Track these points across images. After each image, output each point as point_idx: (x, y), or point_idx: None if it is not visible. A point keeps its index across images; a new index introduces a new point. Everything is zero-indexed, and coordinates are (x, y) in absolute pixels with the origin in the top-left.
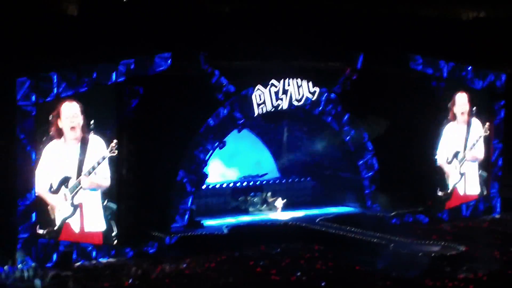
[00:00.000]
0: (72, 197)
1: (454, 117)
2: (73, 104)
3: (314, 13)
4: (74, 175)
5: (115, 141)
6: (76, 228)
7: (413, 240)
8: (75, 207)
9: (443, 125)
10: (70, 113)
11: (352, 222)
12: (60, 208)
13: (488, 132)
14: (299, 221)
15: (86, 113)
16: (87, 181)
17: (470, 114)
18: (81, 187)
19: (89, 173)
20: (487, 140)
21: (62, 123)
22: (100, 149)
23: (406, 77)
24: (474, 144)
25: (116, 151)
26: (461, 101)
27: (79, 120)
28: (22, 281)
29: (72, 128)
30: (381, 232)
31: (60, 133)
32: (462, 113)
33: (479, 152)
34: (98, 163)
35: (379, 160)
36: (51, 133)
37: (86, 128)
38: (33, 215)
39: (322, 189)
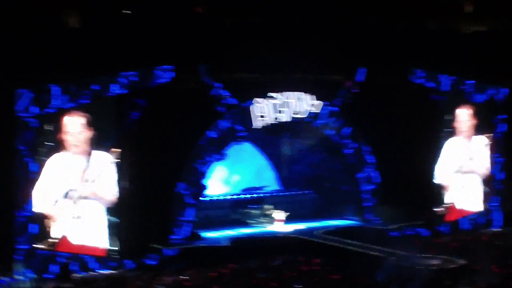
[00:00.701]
0: (74, 209)
1: (456, 132)
2: (79, 116)
3: (315, 26)
4: (76, 187)
5: (119, 149)
6: (76, 241)
7: (413, 253)
8: (77, 219)
9: (445, 139)
10: (76, 126)
11: (352, 235)
12: (61, 221)
13: (491, 141)
14: (300, 233)
15: (90, 127)
16: (90, 190)
17: (473, 128)
18: (83, 197)
19: (93, 181)
20: (489, 154)
21: (67, 135)
22: (104, 161)
23: (407, 91)
24: (475, 155)
25: (119, 159)
26: (463, 116)
27: (84, 132)
28: None
29: (77, 140)
30: (381, 245)
31: (64, 145)
32: (465, 128)
33: (482, 165)
34: (101, 171)
35: (379, 173)
36: (55, 144)
37: (91, 141)
38: (33, 226)
39: (322, 201)
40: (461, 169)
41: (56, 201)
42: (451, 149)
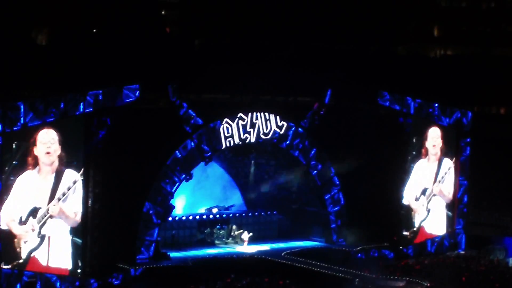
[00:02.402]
0: (40, 227)
1: (425, 154)
2: (50, 131)
3: (284, 48)
4: (44, 205)
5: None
6: (43, 261)
7: (378, 275)
8: (42, 238)
9: (412, 162)
10: (46, 142)
11: (318, 256)
12: (27, 240)
13: (455, 165)
14: (265, 254)
15: (61, 144)
16: (56, 208)
17: (441, 151)
18: (49, 216)
19: (59, 199)
20: (453, 177)
21: (38, 152)
22: (71, 180)
23: (374, 113)
24: (443, 177)
25: (85, 177)
26: (432, 137)
27: (55, 149)
28: None
29: (48, 158)
30: (346, 266)
31: (34, 163)
32: (434, 150)
33: (448, 188)
34: (69, 189)
35: (345, 195)
36: (20, 163)
37: (62, 159)
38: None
39: (288, 222)
40: (428, 191)
41: (22, 220)
42: (420, 172)
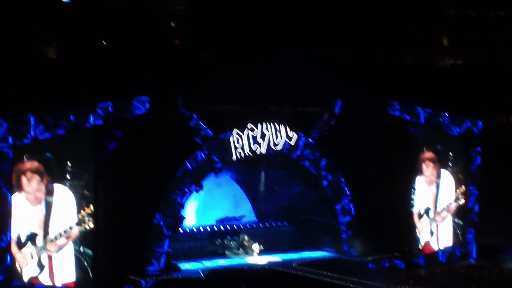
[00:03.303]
0: (39, 257)
1: (422, 173)
2: (34, 163)
3: (293, 59)
4: (40, 231)
5: (84, 211)
6: (46, 282)
7: (389, 285)
8: (42, 267)
9: (416, 174)
10: (34, 174)
11: (329, 266)
12: (27, 265)
13: (463, 200)
14: (276, 265)
15: (60, 160)
16: (55, 246)
17: (440, 168)
18: (48, 251)
19: (56, 238)
20: (464, 187)
21: (25, 184)
22: (67, 202)
23: (384, 123)
24: (443, 209)
25: (88, 224)
26: (428, 161)
27: (43, 178)
28: None
29: (36, 189)
30: (357, 277)
31: (21, 188)
32: (430, 173)
33: (451, 200)
34: (66, 231)
35: (356, 205)
36: (13, 185)
37: (53, 180)
38: (8, 257)
39: (299, 233)
40: (431, 214)
41: (21, 243)
42: (419, 190)
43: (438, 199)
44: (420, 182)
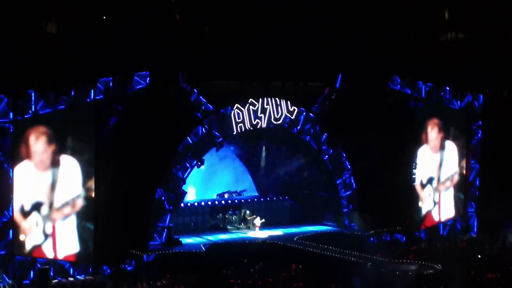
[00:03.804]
0: (44, 225)
1: (427, 141)
2: (45, 127)
3: (294, 33)
4: (46, 199)
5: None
6: (49, 253)
7: (390, 259)
8: (47, 236)
9: (420, 146)
10: (41, 136)
11: (330, 241)
12: (31, 234)
13: (464, 171)
14: (277, 239)
15: (61, 134)
16: (60, 213)
17: (444, 138)
18: (60, 206)
19: (63, 206)
20: (465, 161)
21: (33, 145)
22: (73, 171)
23: (385, 97)
24: (447, 178)
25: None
26: (434, 127)
27: (50, 143)
28: None
29: (43, 151)
30: (358, 251)
31: (29, 155)
32: (435, 138)
33: (454, 172)
34: (73, 199)
35: (357, 179)
36: (21, 154)
37: (58, 151)
38: (11, 232)
39: (300, 208)
40: (434, 183)
41: (25, 212)
42: (423, 159)
43: (442, 168)
44: (424, 151)
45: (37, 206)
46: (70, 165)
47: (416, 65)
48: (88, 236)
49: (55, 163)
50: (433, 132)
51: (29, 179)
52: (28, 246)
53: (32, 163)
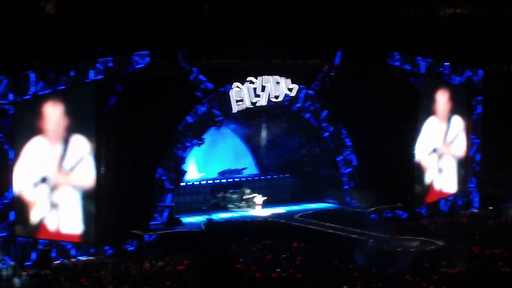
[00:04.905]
0: (51, 195)
1: (435, 113)
2: (56, 104)
3: (293, 11)
4: (54, 173)
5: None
6: (53, 227)
7: (392, 235)
8: (54, 205)
9: (423, 120)
10: (53, 113)
11: (331, 218)
12: (38, 206)
13: (466, 123)
14: (279, 217)
15: (68, 113)
16: (67, 179)
17: (450, 111)
18: (60, 185)
19: (70, 170)
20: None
21: (44, 122)
22: (81, 148)
23: (385, 74)
24: (453, 139)
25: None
26: (441, 99)
27: (62, 119)
28: (0, 280)
29: (54, 127)
30: (360, 227)
31: (42, 132)
32: (442, 111)
33: (459, 148)
34: (78, 162)
35: (358, 157)
36: (32, 131)
37: (68, 128)
38: (12, 213)
39: (301, 185)
40: (438, 151)
41: (35, 185)
42: (429, 130)
43: (448, 136)
44: (431, 122)
45: (44, 180)
46: (79, 143)
47: (415, 41)
48: (90, 216)
49: (65, 139)
50: (441, 102)
51: (39, 154)
52: (34, 219)
53: (44, 138)
